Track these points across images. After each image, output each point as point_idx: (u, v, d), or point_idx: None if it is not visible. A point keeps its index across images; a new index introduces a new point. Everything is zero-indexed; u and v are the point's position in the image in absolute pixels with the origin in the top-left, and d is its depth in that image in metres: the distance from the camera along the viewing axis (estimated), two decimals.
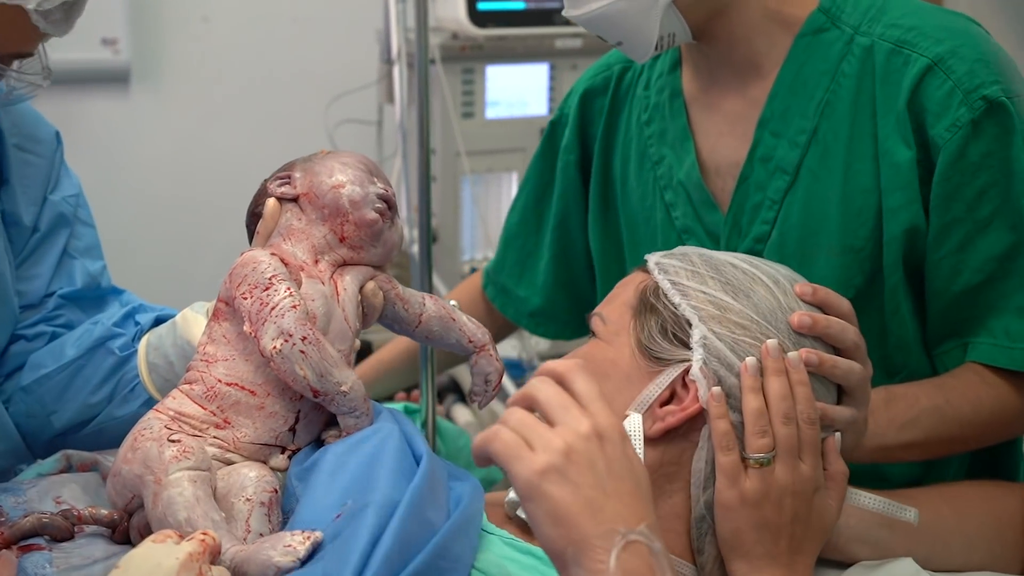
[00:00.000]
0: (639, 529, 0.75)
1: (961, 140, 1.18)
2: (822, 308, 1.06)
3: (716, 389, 0.99)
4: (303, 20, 3.30)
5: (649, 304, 1.05)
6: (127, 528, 1.02)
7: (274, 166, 1.14)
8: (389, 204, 1.08)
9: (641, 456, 0.99)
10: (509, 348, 3.06)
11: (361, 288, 1.08)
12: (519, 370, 2.96)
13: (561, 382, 0.83)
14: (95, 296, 1.32)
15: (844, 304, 1.07)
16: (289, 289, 1.01)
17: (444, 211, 2.87)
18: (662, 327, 1.03)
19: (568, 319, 1.62)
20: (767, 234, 1.29)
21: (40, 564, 0.96)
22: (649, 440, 1.01)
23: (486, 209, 3.01)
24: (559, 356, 3.27)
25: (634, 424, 1.01)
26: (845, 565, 1.11)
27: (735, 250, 1.30)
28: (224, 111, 3.31)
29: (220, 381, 1.03)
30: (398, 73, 2.69)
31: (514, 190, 3.03)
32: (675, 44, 1.27)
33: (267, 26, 3.29)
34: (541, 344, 2.99)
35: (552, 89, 2.95)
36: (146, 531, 0.99)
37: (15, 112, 1.29)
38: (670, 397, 1.02)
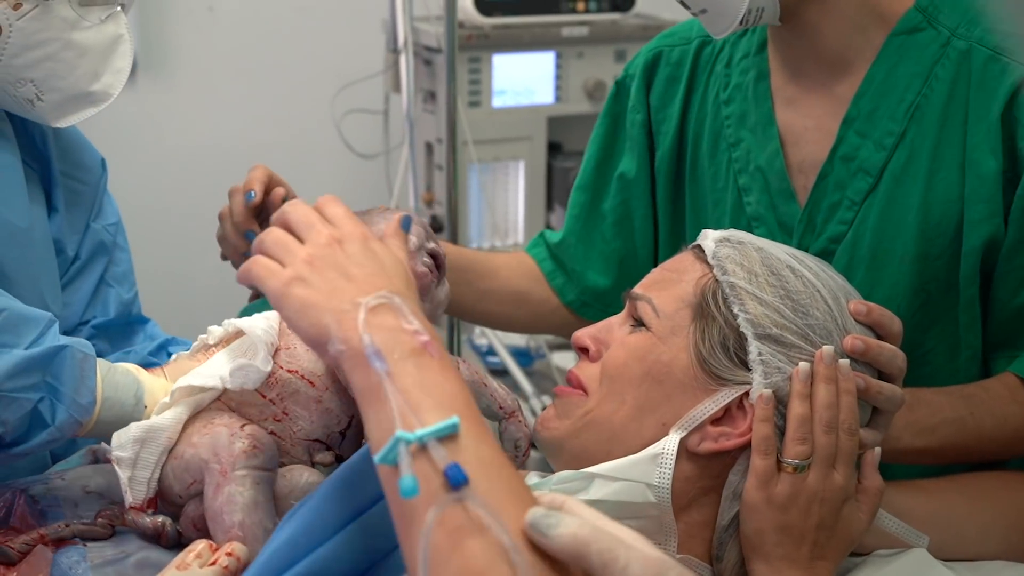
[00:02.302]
0: (379, 293, 0.80)
1: None
2: (874, 328, 1.04)
3: (767, 392, 0.98)
4: (308, 9, 3.29)
5: (710, 311, 1.02)
6: (167, 534, 1.02)
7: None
8: (438, 263, 1.10)
9: (669, 476, 0.98)
10: (516, 336, 3.06)
11: None
12: (527, 358, 2.96)
13: (316, 208, 0.89)
14: (125, 324, 1.33)
15: (896, 325, 1.05)
16: None
17: (453, 201, 2.87)
18: (723, 342, 1.00)
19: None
20: (843, 234, 1.26)
21: (75, 559, 0.98)
22: (693, 455, 1.00)
23: (493, 198, 3.01)
24: (566, 344, 3.26)
25: (671, 445, 0.99)
26: (858, 555, 1.11)
27: (807, 248, 1.27)
28: (230, 101, 3.30)
29: (282, 368, 1.04)
30: (404, 62, 2.69)
31: (521, 179, 3.04)
32: (761, 22, 1.21)
33: (272, 15, 3.29)
34: None
35: (558, 78, 2.95)
36: (200, 523, 1.00)
37: (64, 139, 1.30)
38: (721, 414, 1.00)
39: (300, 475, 1.01)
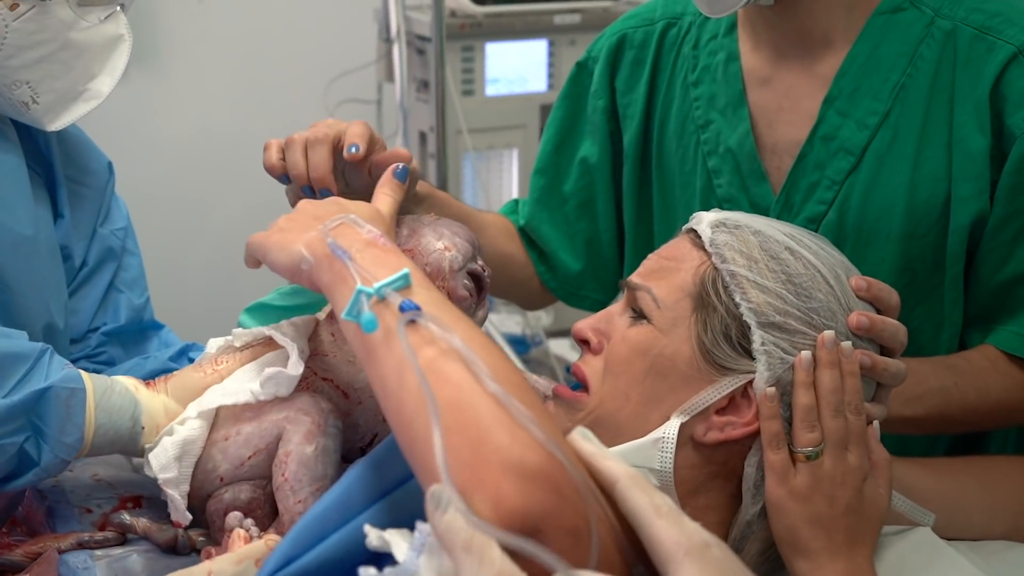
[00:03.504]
0: (337, 216, 0.94)
1: None
2: (874, 303, 1.04)
3: (771, 390, 0.98)
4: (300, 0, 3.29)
5: (711, 301, 1.01)
6: (181, 544, 1.02)
7: None
8: (480, 285, 1.09)
9: (671, 460, 0.98)
10: (512, 324, 3.07)
11: None
12: (523, 346, 2.97)
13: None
14: (137, 330, 1.32)
15: (895, 298, 1.05)
16: None
17: (446, 188, 2.88)
18: (726, 332, 1.00)
19: (580, 282, 1.54)
20: (822, 214, 1.27)
21: (81, 557, 0.98)
22: (699, 444, 1.00)
23: (488, 186, 3.01)
24: (563, 331, 3.26)
25: (671, 429, 0.99)
26: None
27: None
28: (223, 92, 3.30)
29: (316, 374, 1.04)
30: (397, 52, 2.69)
31: (515, 167, 3.04)
32: (756, 0, 1.22)
33: (263, 6, 3.28)
34: (544, 319, 3.00)
35: (551, 65, 2.95)
36: (234, 509, 1.00)
37: (69, 143, 1.28)
38: (726, 403, 1.00)
39: None
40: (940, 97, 1.21)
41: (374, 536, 0.78)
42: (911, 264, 1.24)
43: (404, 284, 0.85)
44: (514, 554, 0.71)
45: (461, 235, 1.09)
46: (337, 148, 1.10)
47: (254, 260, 1.01)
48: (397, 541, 0.77)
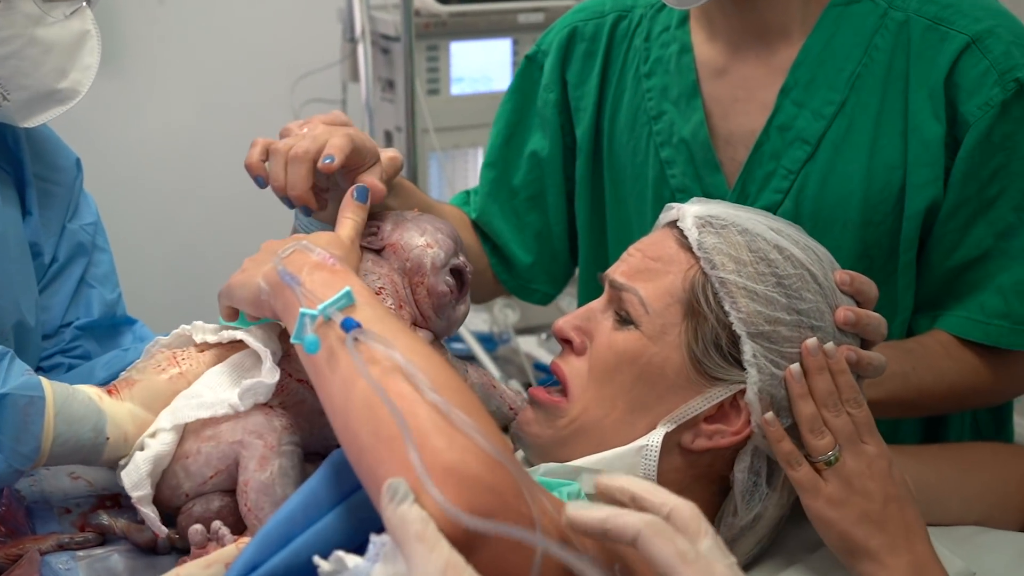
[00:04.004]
0: (289, 246, 0.97)
1: (990, 120, 1.19)
2: (855, 296, 1.05)
3: (770, 415, 0.98)
4: (262, 0, 3.28)
5: (702, 309, 1.00)
6: (161, 545, 1.01)
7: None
8: (462, 280, 1.09)
9: (655, 467, 0.98)
10: (480, 322, 3.08)
11: None
12: (491, 344, 2.98)
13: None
14: (110, 325, 1.31)
15: (874, 291, 1.06)
16: (394, 308, 1.03)
17: None
18: (716, 341, 0.99)
19: (532, 276, 1.54)
20: (778, 204, 1.28)
21: (63, 558, 0.98)
22: (687, 451, 1.00)
23: (454, 184, 3.02)
24: (530, 328, 3.27)
25: (655, 439, 0.99)
26: None
27: None
28: (186, 94, 3.28)
29: (291, 376, 1.02)
30: (362, 51, 2.69)
31: (481, 165, 3.05)
32: None
33: (225, 7, 3.27)
34: (512, 316, 3.02)
35: (516, 64, 2.96)
36: (208, 524, 0.99)
37: (36, 141, 1.28)
38: (714, 411, 1.00)
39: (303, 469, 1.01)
40: (895, 86, 1.24)
41: (325, 565, 0.78)
42: (868, 251, 1.26)
43: (348, 302, 0.87)
44: (465, 548, 0.73)
45: (444, 231, 1.09)
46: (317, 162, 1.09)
47: (227, 309, 1.04)
48: (350, 555, 0.78)
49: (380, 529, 0.77)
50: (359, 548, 0.79)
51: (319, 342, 0.86)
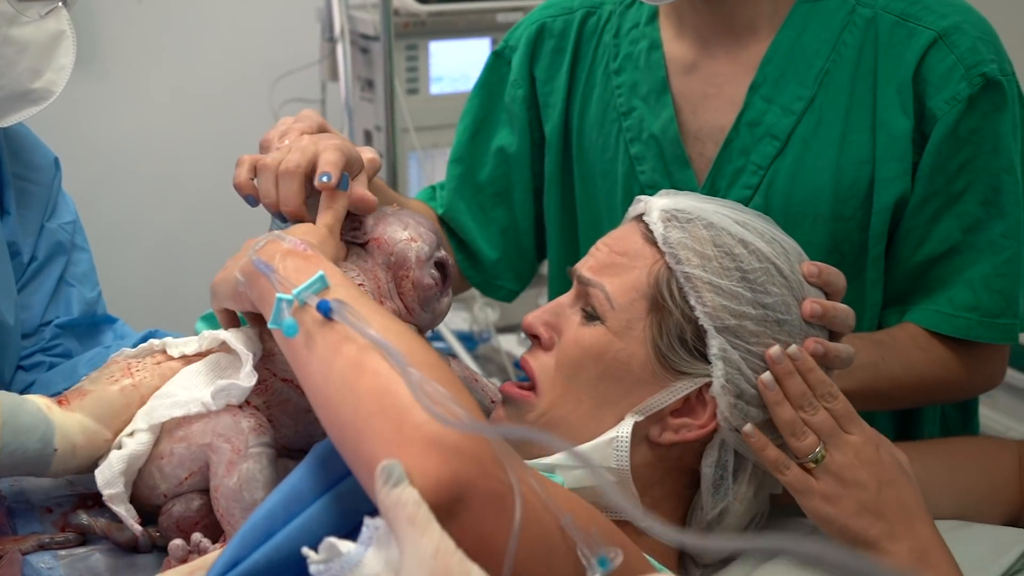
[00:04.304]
0: (262, 237, 0.97)
1: (957, 114, 1.21)
2: (823, 288, 1.05)
3: (749, 427, 0.99)
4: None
5: (666, 304, 1.01)
6: (142, 544, 1.01)
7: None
8: (445, 273, 1.09)
9: (627, 458, 0.99)
10: (460, 321, 3.08)
11: None
12: (471, 342, 2.99)
13: None
14: (91, 324, 1.31)
15: (842, 282, 1.06)
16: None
17: (395, 187, 2.89)
18: (681, 336, 1.00)
19: (499, 273, 1.53)
20: (747, 199, 1.29)
21: (45, 558, 0.98)
22: (655, 444, 1.01)
23: (434, 184, 3.02)
24: (511, 327, 3.27)
25: (624, 430, 1.00)
26: None
27: None
28: (164, 94, 3.27)
29: (275, 375, 1.02)
30: (341, 52, 2.69)
31: None
32: None
33: (203, 6, 3.26)
34: (491, 315, 3.02)
35: None
36: (185, 524, 0.99)
37: (14, 140, 1.27)
38: (680, 405, 1.01)
39: (284, 468, 1.00)
40: (863, 82, 1.25)
41: (315, 556, 0.77)
42: (839, 246, 1.27)
43: (322, 286, 0.89)
44: (446, 515, 0.75)
45: (425, 225, 1.10)
46: (309, 175, 1.06)
47: (221, 313, 1.05)
48: (342, 541, 0.78)
49: (370, 513, 0.78)
50: (344, 537, 0.79)
51: (296, 325, 0.87)
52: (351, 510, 0.85)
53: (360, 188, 1.08)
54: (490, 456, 0.79)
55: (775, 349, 0.99)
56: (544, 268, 1.57)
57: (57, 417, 0.99)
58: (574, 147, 1.43)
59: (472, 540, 0.75)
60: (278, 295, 0.89)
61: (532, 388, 1.06)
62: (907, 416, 1.38)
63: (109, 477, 0.99)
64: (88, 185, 3.22)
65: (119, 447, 1.00)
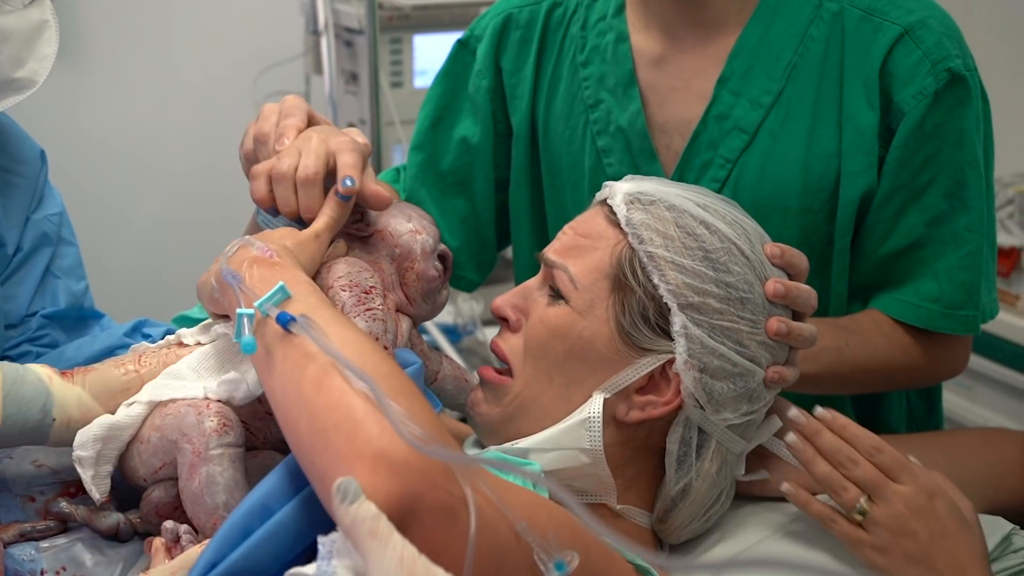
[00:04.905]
0: (234, 242, 0.98)
1: (923, 109, 1.23)
2: (786, 269, 1.07)
3: (786, 486, 1.01)
4: None
5: (628, 283, 1.02)
6: (123, 531, 1.01)
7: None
8: (446, 265, 1.11)
9: (600, 438, 1.01)
10: (444, 314, 3.08)
11: None
12: (455, 335, 3.00)
13: None
14: (78, 316, 1.31)
15: (804, 263, 1.08)
16: (384, 305, 1.03)
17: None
18: (643, 313, 1.01)
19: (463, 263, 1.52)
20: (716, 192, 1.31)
21: (26, 549, 0.99)
22: (622, 424, 1.02)
23: None
24: (495, 320, 3.31)
25: (595, 407, 1.01)
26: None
27: None
28: (147, 87, 3.27)
29: None
30: (325, 45, 2.70)
31: None
32: None
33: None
34: (476, 308, 3.03)
35: None
36: (164, 510, 1.00)
37: (1, 133, 1.27)
38: (645, 383, 1.02)
39: (271, 459, 1.01)
40: (830, 76, 1.27)
41: None
42: (808, 238, 1.29)
43: (283, 296, 0.90)
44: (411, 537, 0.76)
45: (426, 218, 1.11)
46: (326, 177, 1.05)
47: (206, 307, 1.05)
48: (306, 567, 0.80)
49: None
50: (316, 543, 0.81)
51: (255, 342, 0.89)
52: (322, 512, 0.85)
53: (372, 184, 1.07)
54: (440, 469, 0.80)
55: (793, 411, 1.02)
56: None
57: (57, 388, 1.00)
58: (540, 139, 1.44)
59: (424, 552, 0.76)
60: (239, 310, 0.90)
61: (509, 373, 1.08)
62: (870, 403, 1.40)
63: (84, 439, 0.99)
64: (70, 176, 3.21)
65: (112, 413, 1.01)
